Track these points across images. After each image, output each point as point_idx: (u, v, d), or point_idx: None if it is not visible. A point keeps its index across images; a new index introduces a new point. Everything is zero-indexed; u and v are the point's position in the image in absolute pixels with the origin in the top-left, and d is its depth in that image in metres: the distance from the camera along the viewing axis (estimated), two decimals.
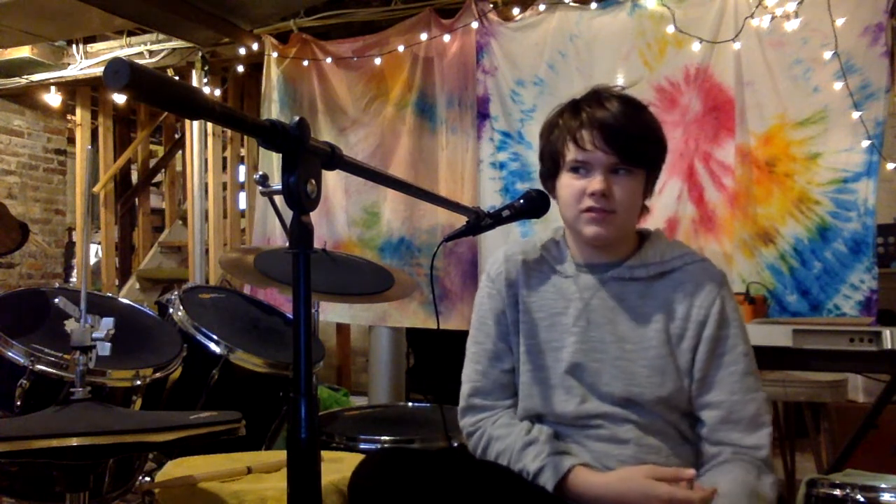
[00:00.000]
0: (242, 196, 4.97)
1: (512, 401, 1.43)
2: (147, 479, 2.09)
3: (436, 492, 1.24)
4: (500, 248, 1.50)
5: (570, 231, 1.40)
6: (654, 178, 1.38)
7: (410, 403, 3.07)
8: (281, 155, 0.89)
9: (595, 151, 1.29)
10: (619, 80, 3.26)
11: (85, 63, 4.63)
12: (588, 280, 1.37)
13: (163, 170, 6.22)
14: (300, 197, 0.89)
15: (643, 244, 1.38)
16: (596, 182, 1.29)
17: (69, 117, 5.83)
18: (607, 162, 1.29)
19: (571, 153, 1.31)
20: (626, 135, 1.28)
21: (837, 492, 1.37)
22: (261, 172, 0.98)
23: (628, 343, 1.33)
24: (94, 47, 4.65)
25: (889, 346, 1.89)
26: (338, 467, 1.62)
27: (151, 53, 4.42)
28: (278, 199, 0.93)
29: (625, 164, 1.29)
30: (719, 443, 1.29)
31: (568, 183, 1.33)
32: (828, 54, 2.85)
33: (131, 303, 2.39)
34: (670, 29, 3.13)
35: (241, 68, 4.42)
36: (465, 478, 1.28)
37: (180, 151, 5.97)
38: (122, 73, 0.70)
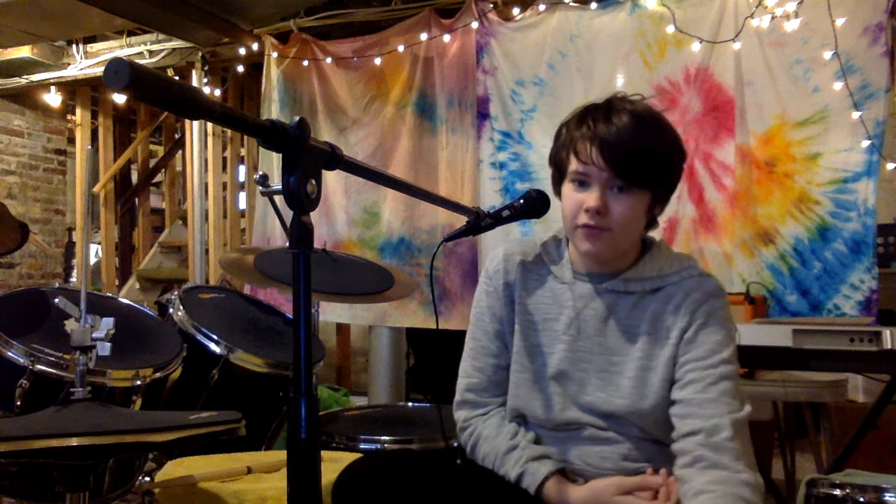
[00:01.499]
0: (242, 196, 4.97)
1: (505, 398, 1.44)
2: (147, 479, 2.09)
3: (417, 497, 1.25)
4: (500, 245, 1.48)
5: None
6: (664, 195, 1.33)
7: (410, 403, 3.07)
8: (281, 155, 0.89)
9: (592, 166, 1.26)
10: (619, 80, 3.26)
11: (85, 63, 4.63)
12: (583, 289, 1.36)
13: (163, 170, 6.23)
14: (300, 197, 0.89)
15: (643, 256, 1.36)
16: (591, 198, 1.26)
17: (69, 117, 5.84)
18: (604, 178, 1.25)
19: (572, 164, 1.29)
20: (625, 153, 1.24)
21: (837, 492, 1.37)
22: (261, 172, 0.98)
23: (615, 355, 1.32)
24: (94, 47, 4.65)
25: (889, 346, 1.89)
26: (338, 467, 1.62)
27: (151, 53, 4.42)
28: (278, 199, 0.93)
29: (622, 182, 1.25)
30: (685, 436, 1.24)
31: (568, 194, 1.31)
32: (828, 54, 2.85)
33: (131, 303, 2.39)
34: (670, 29, 3.13)
35: (241, 68, 4.42)
36: (446, 483, 1.29)
37: (180, 151, 5.97)
38: (122, 73, 0.70)
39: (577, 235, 1.30)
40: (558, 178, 1.35)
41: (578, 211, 1.28)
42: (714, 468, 1.19)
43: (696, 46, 3.10)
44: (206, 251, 4.45)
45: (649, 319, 1.32)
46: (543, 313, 1.39)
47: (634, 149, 1.25)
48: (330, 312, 3.89)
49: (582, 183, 1.28)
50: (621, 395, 1.30)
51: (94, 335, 1.65)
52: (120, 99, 5.30)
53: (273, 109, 3.98)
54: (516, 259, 1.43)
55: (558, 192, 1.37)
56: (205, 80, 4.37)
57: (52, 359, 1.89)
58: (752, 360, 2.06)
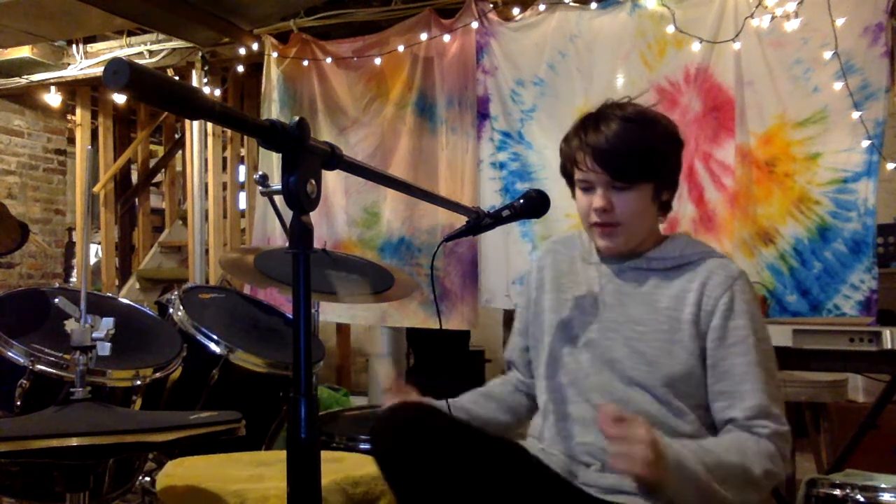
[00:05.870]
0: (242, 196, 4.97)
1: (524, 377, 1.62)
2: (147, 479, 2.09)
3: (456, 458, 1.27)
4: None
5: None
6: (668, 182, 1.43)
7: None
8: (281, 155, 0.89)
9: (591, 172, 1.38)
10: (619, 80, 3.26)
11: (85, 63, 4.63)
12: (609, 267, 1.47)
13: (163, 170, 6.22)
14: (300, 197, 0.89)
15: (665, 240, 1.46)
16: (597, 199, 1.38)
17: (69, 117, 5.83)
18: (604, 180, 1.37)
19: (576, 174, 1.42)
20: (616, 156, 1.35)
21: (837, 492, 1.37)
22: (261, 172, 0.98)
23: (639, 325, 1.39)
24: (94, 47, 4.65)
25: (889, 346, 1.89)
26: (338, 467, 1.62)
27: (151, 53, 4.42)
28: (278, 198, 0.93)
29: (621, 182, 1.37)
30: (723, 423, 1.34)
31: (579, 198, 1.44)
32: (828, 54, 2.85)
33: (131, 303, 2.39)
34: (670, 29, 3.13)
35: (241, 68, 4.42)
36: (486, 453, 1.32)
37: (180, 151, 5.97)
38: (121, 73, 0.70)
39: (592, 233, 1.44)
40: (569, 183, 1.48)
41: (589, 211, 1.41)
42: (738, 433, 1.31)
43: (696, 46, 3.10)
44: (206, 251, 4.44)
45: (676, 294, 1.39)
46: (573, 291, 1.50)
47: (624, 151, 1.36)
48: (330, 312, 3.88)
49: (587, 187, 1.41)
50: (648, 360, 1.36)
51: (94, 335, 1.65)
52: (120, 99, 5.30)
53: (273, 109, 3.98)
54: (552, 247, 1.61)
55: (573, 195, 1.50)
56: (205, 80, 4.36)
57: (52, 359, 1.89)
58: None
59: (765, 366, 1.33)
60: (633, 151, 1.36)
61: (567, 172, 1.46)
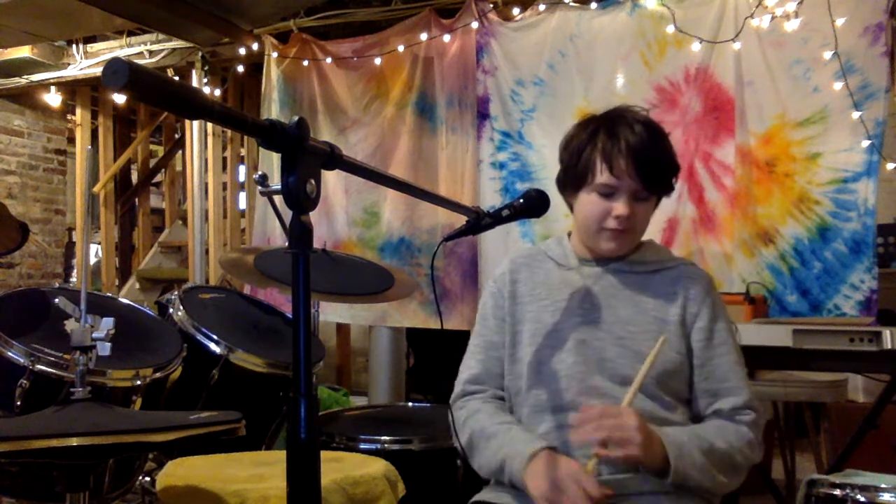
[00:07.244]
0: (242, 196, 4.97)
1: (503, 392, 1.51)
2: (147, 479, 2.09)
3: None
4: (500, 249, 1.60)
5: (581, 238, 1.51)
6: (661, 199, 1.51)
7: (410, 403, 3.07)
8: (281, 155, 0.89)
9: (626, 178, 1.39)
10: (619, 80, 3.26)
11: (85, 63, 4.63)
12: (590, 270, 1.49)
13: (163, 170, 6.23)
14: (300, 197, 0.89)
15: (641, 247, 1.52)
16: (621, 207, 1.40)
17: (69, 117, 5.83)
18: (632, 188, 1.40)
19: (604, 176, 1.40)
20: (653, 165, 1.41)
21: (837, 492, 1.36)
22: (261, 172, 0.98)
23: (630, 324, 1.42)
24: (94, 47, 4.65)
25: (889, 346, 1.89)
26: (338, 467, 1.62)
27: (151, 53, 4.42)
28: (278, 199, 0.93)
29: (645, 192, 1.42)
30: (708, 415, 1.42)
31: (593, 201, 1.43)
32: (828, 54, 2.85)
33: (131, 303, 2.39)
34: (670, 29, 3.13)
35: (241, 68, 4.42)
36: None
37: (180, 151, 5.97)
38: (121, 73, 0.70)
39: (602, 236, 1.45)
40: (578, 184, 1.45)
41: (605, 216, 1.42)
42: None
43: (696, 46, 3.10)
44: (206, 251, 4.45)
45: (660, 295, 1.45)
46: (554, 297, 1.48)
47: (660, 160, 1.43)
48: (330, 312, 3.88)
49: (609, 193, 1.42)
50: (641, 360, 1.37)
51: (94, 335, 1.65)
52: (120, 99, 5.30)
53: (273, 109, 3.98)
54: (520, 260, 1.57)
55: (570, 195, 1.49)
56: (205, 80, 4.36)
57: (52, 359, 1.89)
58: (752, 360, 2.06)
59: (742, 364, 1.43)
60: (664, 160, 1.43)
61: (583, 172, 1.42)
